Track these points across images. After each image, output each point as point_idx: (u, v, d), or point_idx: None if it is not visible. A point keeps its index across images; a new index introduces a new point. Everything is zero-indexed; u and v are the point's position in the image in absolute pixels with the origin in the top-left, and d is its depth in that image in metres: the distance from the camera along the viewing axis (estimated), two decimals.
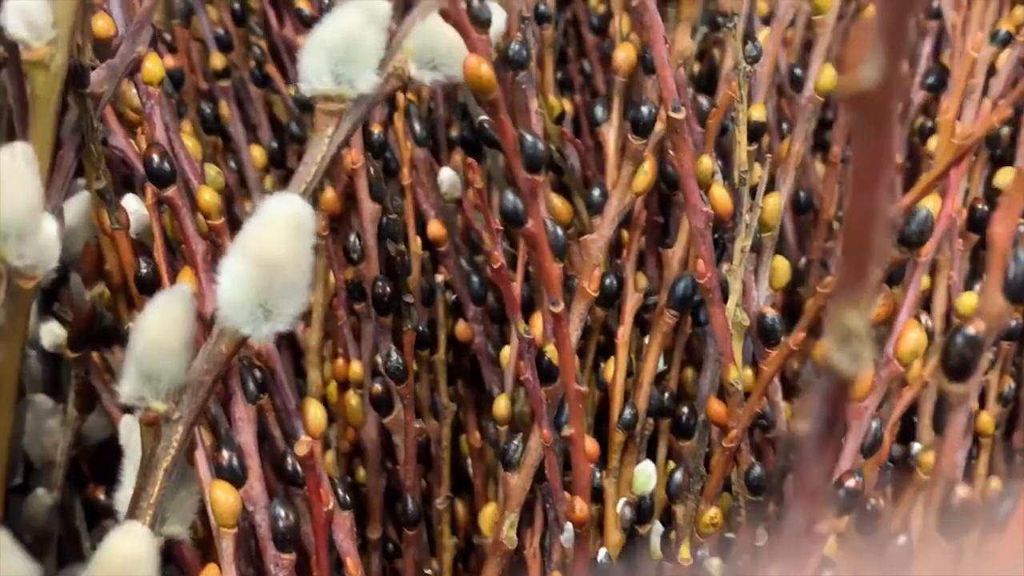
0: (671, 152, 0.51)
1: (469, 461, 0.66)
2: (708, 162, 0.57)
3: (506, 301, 0.51)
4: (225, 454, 0.47)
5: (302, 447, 0.45)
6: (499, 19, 0.43)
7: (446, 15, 0.40)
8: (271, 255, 0.38)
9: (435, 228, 0.63)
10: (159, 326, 0.40)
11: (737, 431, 0.54)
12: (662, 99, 0.50)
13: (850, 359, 0.23)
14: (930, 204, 0.45)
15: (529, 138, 0.43)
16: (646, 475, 0.59)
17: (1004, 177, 0.63)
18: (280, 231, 0.39)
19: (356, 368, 0.62)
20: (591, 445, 0.49)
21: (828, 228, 0.72)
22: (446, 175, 0.66)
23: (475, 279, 0.64)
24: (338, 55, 0.43)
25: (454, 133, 0.73)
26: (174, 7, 0.77)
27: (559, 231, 0.45)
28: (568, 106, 0.70)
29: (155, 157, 0.51)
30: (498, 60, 0.61)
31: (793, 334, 0.52)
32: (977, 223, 0.61)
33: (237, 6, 0.77)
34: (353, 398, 0.62)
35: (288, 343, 0.67)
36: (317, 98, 0.42)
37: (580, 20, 0.76)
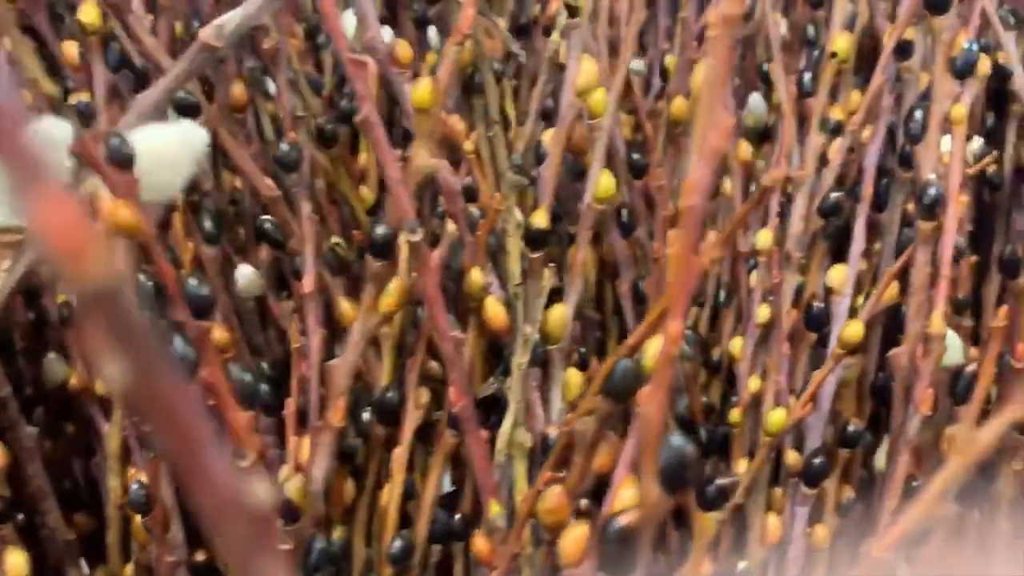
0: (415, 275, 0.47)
1: None
2: (478, 275, 0.53)
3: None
4: None
5: None
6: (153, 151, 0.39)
7: (79, 156, 0.36)
8: None
9: (220, 333, 0.59)
10: None
11: (500, 571, 0.50)
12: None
13: None
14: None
15: (193, 282, 0.39)
16: None
17: None
18: None
19: None
20: None
21: None
22: (243, 271, 0.62)
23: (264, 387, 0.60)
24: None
25: None
26: None
27: (237, 371, 0.41)
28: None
29: None
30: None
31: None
32: None
33: None
34: None
35: None
36: None
37: None
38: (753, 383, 0.63)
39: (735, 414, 0.64)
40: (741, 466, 0.63)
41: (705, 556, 0.42)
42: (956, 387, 0.51)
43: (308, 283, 0.54)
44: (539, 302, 0.53)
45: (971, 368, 0.51)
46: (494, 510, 0.50)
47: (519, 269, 0.52)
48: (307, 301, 0.53)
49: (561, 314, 0.54)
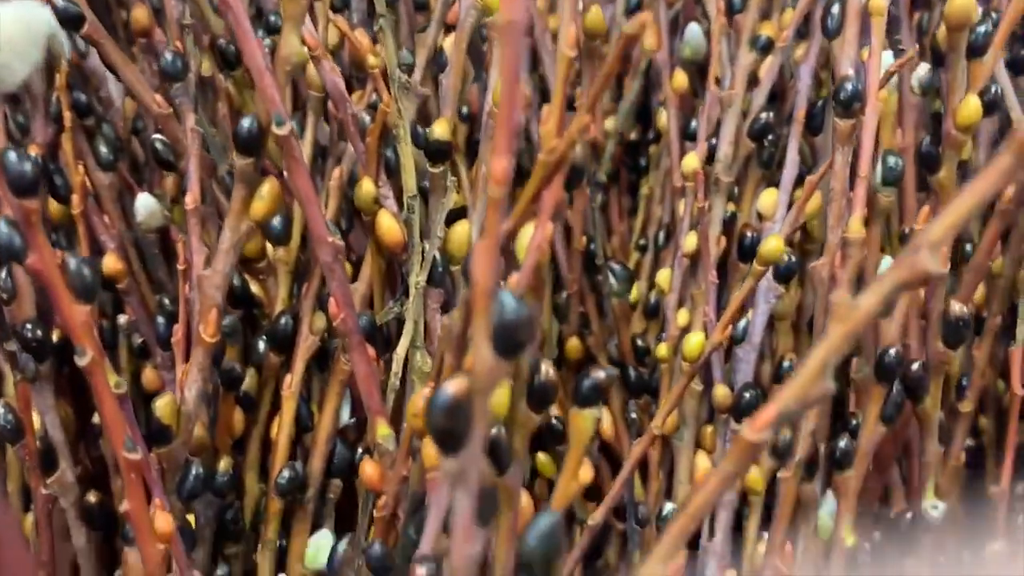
0: (287, 174, 0.44)
1: None
2: (369, 186, 0.49)
3: None
4: None
5: None
6: None
7: None
8: None
9: (112, 263, 0.56)
10: None
11: (389, 496, 0.46)
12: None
13: None
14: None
15: (12, 156, 0.36)
16: (316, 548, 0.51)
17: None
18: None
19: None
20: (163, 522, 0.41)
21: (584, 257, 0.64)
22: (142, 201, 0.59)
23: (161, 320, 0.57)
24: None
25: None
26: None
27: (76, 263, 0.37)
28: None
29: None
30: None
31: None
32: None
33: None
34: None
35: None
36: None
37: None
38: (681, 317, 0.60)
39: (662, 348, 0.60)
40: (671, 416, 0.60)
41: (583, 460, 0.38)
42: None
43: (192, 198, 0.50)
44: (440, 218, 0.50)
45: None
46: (382, 432, 0.46)
47: (413, 180, 0.49)
48: (190, 217, 0.50)
49: (464, 232, 0.50)
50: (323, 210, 0.46)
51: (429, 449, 0.37)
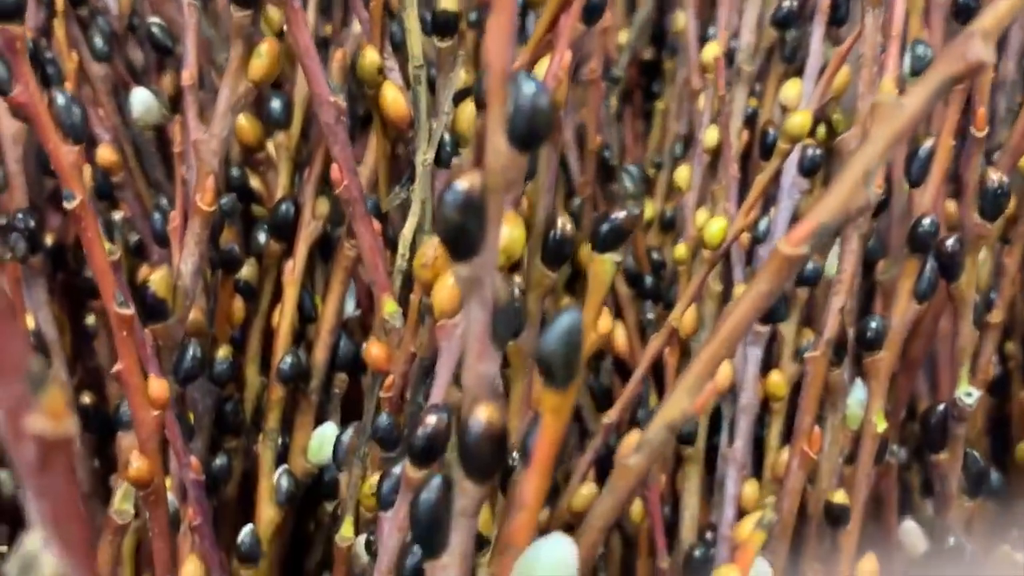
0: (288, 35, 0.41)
1: None
2: (373, 55, 0.47)
3: None
4: None
5: None
6: None
7: None
8: None
9: (106, 154, 0.54)
10: None
11: (396, 376, 0.44)
12: None
13: None
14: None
15: None
16: (321, 440, 0.49)
17: None
18: None
19: None
20: (158, 387, 0.39)
21: (598, 163, 0.61)
22: (139, 97, 0.56)
23: (158, 216, 0.54)
24: None
25: None
26: None
27: (64, 98, 0.35)
28: None
29: None
30: None
31: None
32: None
33: None
34: None
35: None
36: None
37: None
38: (701, 216, 0.57)
39: (680, 249, 0.58)
40: (689, 313, 0.57)
41: (602, 307, 0.36)
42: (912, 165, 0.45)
43: (188, 75, 0.48)
44: (447, 95, 0.47)
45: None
46: (388, 308, 0.44)
47: (419, 47, 0.47)
48: (187, 94, 0.48)
49: (473, 111, 0.48)
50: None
51: (440, 295, 0.35)
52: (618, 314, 0.63)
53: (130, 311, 0.38)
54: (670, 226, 0.64)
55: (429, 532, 0.30)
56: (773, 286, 0.30)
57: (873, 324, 0.45)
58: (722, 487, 0.57)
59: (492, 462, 0.28)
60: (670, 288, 0.61)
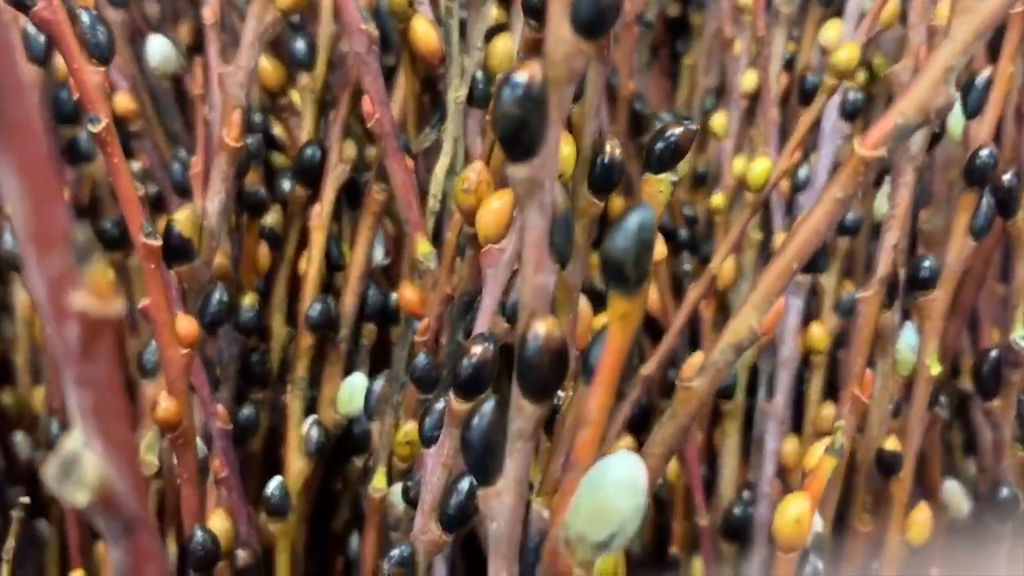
0: None
1: None
2: None
3: None
4: None
5: None
6: None
7: None
8: None
9: (124, 102, 0.52)
10: None
11: (431, 320, 0.42)
12: None
13: None
14: None
15: None
16: (351, 391, 0.47)
17: None
18: None
19: None
20: (186, 324, 0.37)
21: (629, 114, 0.60)
22: (156, 45, 0.54)
23: (177, 167, 0.53)
24: None
25: None
26: None
27: (90, 17, 0.33)
28: None
29: None
30: None
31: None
32: None
33: None
34: None
35: None
36: None
37: None
38: (738, 163, 0.56)
39: (718, 199, 0.56)
40: (728, 263, 0.56)
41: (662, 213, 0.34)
42: None
43: (211, 12, 0.46)
44: (480, 28, 0.46)
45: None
46: (422, 248, 0.42)
47: None
48: (209, 32, 0.46)
49: (507, 46, 0.46)
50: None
51: (485, 219, 0.33)
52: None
53: (157, 242, 0.36)
54: (702, 181, 0.62)
55: (483, 458, 0.28)
56: (848, 191, 0.28)
57: (926, 263, 0.44)
58: (760, 444, 0.55)
59: (551, 378, 0.27)
60: (706, 241, 0.59)
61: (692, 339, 0.58)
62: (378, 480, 0.43)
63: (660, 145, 0.33)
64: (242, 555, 0.43)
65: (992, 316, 0.57)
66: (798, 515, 0.28)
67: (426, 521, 0.34)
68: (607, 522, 0.25)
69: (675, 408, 0.30)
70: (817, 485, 0.29)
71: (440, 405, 0.35)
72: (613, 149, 0.35)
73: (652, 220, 0.24)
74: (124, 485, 0.20)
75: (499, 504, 0.28)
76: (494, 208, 0.33)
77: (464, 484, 0.33)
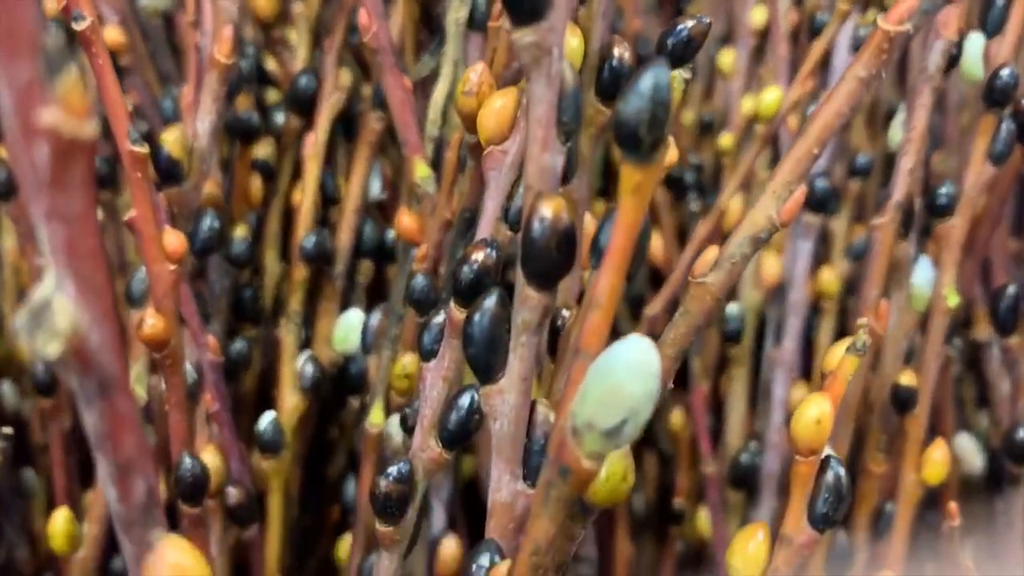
0: None
1: None
2: None
3: None
4: None
5: None
6: None
7: None
8: None
9: (114, 34, 0.50)
10: None
11: (429, 247, 0.40)
12: None
13: None
14: None
15: None
16: (346, 327, 0.46)
17: None
18: None
19: None
20: (174, 239, 0.35)
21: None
22: None
23: (168, 104, 0.51)
24: None
25: None
26: None
27: None
28: None
29: None
30: None
31: None
32: None
33: None
34: None
35: None
36: None
37: None
38: (747, 103, 0.54)
39: (727, 139, 0.54)
40: (735, 202, 0.54)
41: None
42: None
43: None
44: None
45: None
46: (420, 172, 0.41)
47: None
48: None
49: None
50: None
51: (487, 119, 0.31)
52: (654, 220, 0.59)
53: (145, 149, 0.34)
54: (707, 129, 0.61)
55: (486, 353, 0.27)
56: (872, 69, 0.26)
57: (943, 189, 0.42)
58: (768, 392, 0.54)
59: (558, 263, 0.25)
60: (711, 193, 0.58)
61: None
62: (375, 415, 0.42)
63: (672, 40, 0.32)
64: (233, 492, 0.42)
65: (1005, 268, 0.56)
66: (818, 415, 0.27)
67: (425, 438, 0.32)
68: (617, 407, 0.23)
69: (687, 306, 0.28)
70: (838, 387, 0.27)
71: (440, 319, 0.33)
72: (622, 52, 0.33)
73: (669, 79, 0.22)
74: (99, 336, 0.18)
75: (502, 402, 0.27)
76: (496, 108, 0.31)
77: (465, 399, 0.32)
